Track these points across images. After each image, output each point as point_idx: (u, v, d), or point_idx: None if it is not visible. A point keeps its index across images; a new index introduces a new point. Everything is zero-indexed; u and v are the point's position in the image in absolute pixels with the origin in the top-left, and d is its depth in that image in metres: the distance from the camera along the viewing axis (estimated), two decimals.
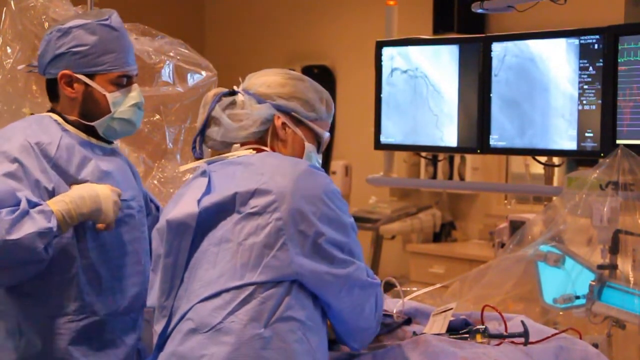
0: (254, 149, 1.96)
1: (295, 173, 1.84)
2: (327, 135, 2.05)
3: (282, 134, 1.98)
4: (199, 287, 1.82)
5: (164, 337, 1.86)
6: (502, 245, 3.52)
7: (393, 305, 2.31)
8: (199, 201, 1.86)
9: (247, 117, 1.97)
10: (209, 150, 2.05)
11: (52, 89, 2.31)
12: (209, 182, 1.90)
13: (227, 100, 2.00)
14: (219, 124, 1.98)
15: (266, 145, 1.97)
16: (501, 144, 3.17)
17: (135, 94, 2.30)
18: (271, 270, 1.78)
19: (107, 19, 2.28)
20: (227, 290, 1.79)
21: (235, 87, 2.03)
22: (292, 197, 1.81)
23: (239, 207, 1.83)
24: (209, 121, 1.99)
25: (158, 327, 1.88)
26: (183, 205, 1.89)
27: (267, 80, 2.01)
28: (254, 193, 1.83)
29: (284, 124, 1.98)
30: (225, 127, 1.98)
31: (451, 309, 2.15)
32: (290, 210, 1.80)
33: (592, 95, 2.90)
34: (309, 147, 2.01)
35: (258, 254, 1.79)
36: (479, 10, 3.21)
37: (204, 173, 1.94)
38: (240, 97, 1.99)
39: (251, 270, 1.78)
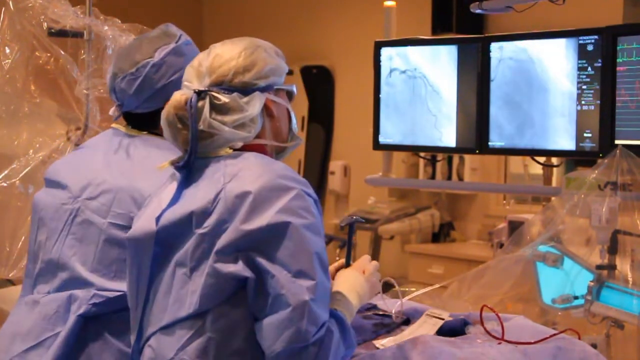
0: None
1: (255, 186, 1.71)
2: (294, 86, 1.96)
3: (275, 110, 1.90)
4: (158, 311, 1.80)
5: (138, 349, 1.86)
6: (501, 245, 3.53)
7: (392, 305, 2.31)
8: (159, 217, 1.79)
9: (246, 119, 1.83)
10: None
11: (151, 120, 2.25)
12: (179, 188, 1.82)
13: (205, 105, 1.80)
14: (213, 135, 1.81)
15: (260, 133, 1.87)
16: (500, 144, 3.17)
17: None
18: (214, 296, 1.71)
19: (181, 35, 2.29)
20: (180, 321, 1.74)
21: (193, 86, 1.83)
22: (241, 219, 1.70)
23: (194, 228, 1.74)
24: (197, 136, 1.79)
25: (132, 337, 1.88)
26: (144, 220, 1.83)
27: (235, 66, 1.83)
28: (207, 211, 1.73)
29: (271, 100, 1.88)
30: (226, 138, 1.81)
31: (443, 319, 2.16)
32: (236, 233, 1.69)
33: (590, 95, 2.90)
34: (289, 107, 1.95)
35: (205, 280, 1.71)
36: (478, 11, 3.21)
37: (177, 177, 1.85)
38: (221, 98, 1.81)
39: (198, 299, 1.72)
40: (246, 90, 1.84)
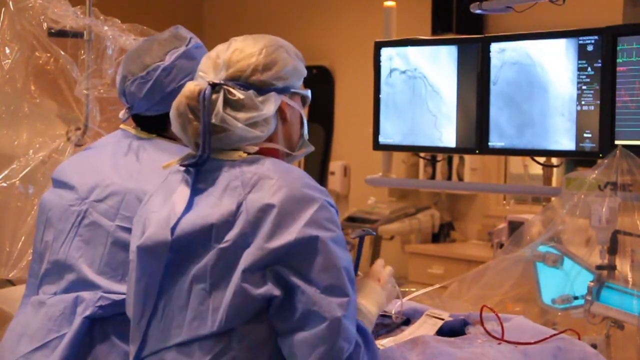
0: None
1: (278, 198, 1.66)
2: (309, 92, 1.91)
3: (289, 114, 1.84)
4: (173, 326, 1.73)
5: (137, 358, 1.81)
6: (501, 245, 3.53)
7: (392, 305, 2.31)
8: (175, 225, 1.72)
9: (260, 118, 1.76)
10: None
11: (161, 123, 2.25)
12: (192, 193, 1.75)
13: (218, 99, 1.74)
14: (225, 130, 1.74)
15: (272, 135, 1.81)
16: (500, 144, 3.17)
17: None
18: (240, 315, 1.66)
19: (191, 38, 2.28)
20: (199, 339, 1.69)
21: (208, 78, 1.77)
22: (267, 235, 1.64)
23: (214, 242, 1.68)
24: (209, 129, 1.73)
25: (133, 348, 1.82)
26: (157, 228, 1.75)
27: (255, 63, 1.78)
28: (228, 224, 1.67)
29: (286, 103, 1.83)
30: (238, 135, 1.75)
31: (443, 319, 2.16)
32: (262, 250, 1.64)
33: (590, 95, 2.90)
34: (303, 113, 1.89)
35: (232, 300, 1.65)
36: (478, 11, 3.20)
37: (186, 179, 1.78)
38: (237, 94, 1.74)
39: (224, 317, 1.66)
40: (263, 89, 1.78)
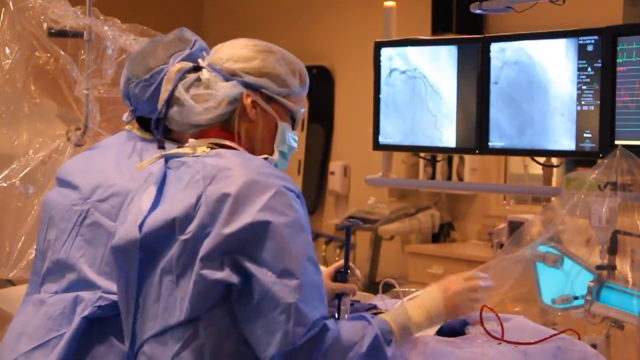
0: (213, 144, 1.83)
1: (234, 187, 1.70)
2: (302, 110, 1.92)
3: (252, 114, 1.84)
4: (149, 319, 1.79)
5: (132, 355, 1.86)
6: (501, 245, 3.52)
7: (392, 305, 2.31)
8: (142, 222, 1.78)
9: (212, 98, 1.83)
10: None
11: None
12: (158, 191, 1.82)
13: (191, 77, 1.85)
14: (181, 105, 1.83)
15: (232, 130, 1.84)
16: (500, 144, 3.17)
17: None
18: (203, 303, 1.70)
19: (196, 40, 2.28)
20: (171, 328, 1.74)
21: (200, 62, 1.89)
22: (223, 222, 1.68)
23: (177, 234, 1.73)
24: (171, 100, 1.84)
25: (127, 343, 1.87)
26: (127, 228, 1.82)
27: (233, 54, 1.85)
28: (190, 217, 1.72)
29: (253, 102, 1.84)
30: (187, 109, 1.83)
31: None
32: (219, 236, 1.68)
33: (590, 95, 2.90)
34: (283, 125, 1.88)
35: (193, 288, 1.70)
36: (478, 11, 3.21)
37: (156, 178, 1.85)
38: (205, 74, 1.84)
39: (188, 306, 1.71)
40: (228, 77, 1.84)
